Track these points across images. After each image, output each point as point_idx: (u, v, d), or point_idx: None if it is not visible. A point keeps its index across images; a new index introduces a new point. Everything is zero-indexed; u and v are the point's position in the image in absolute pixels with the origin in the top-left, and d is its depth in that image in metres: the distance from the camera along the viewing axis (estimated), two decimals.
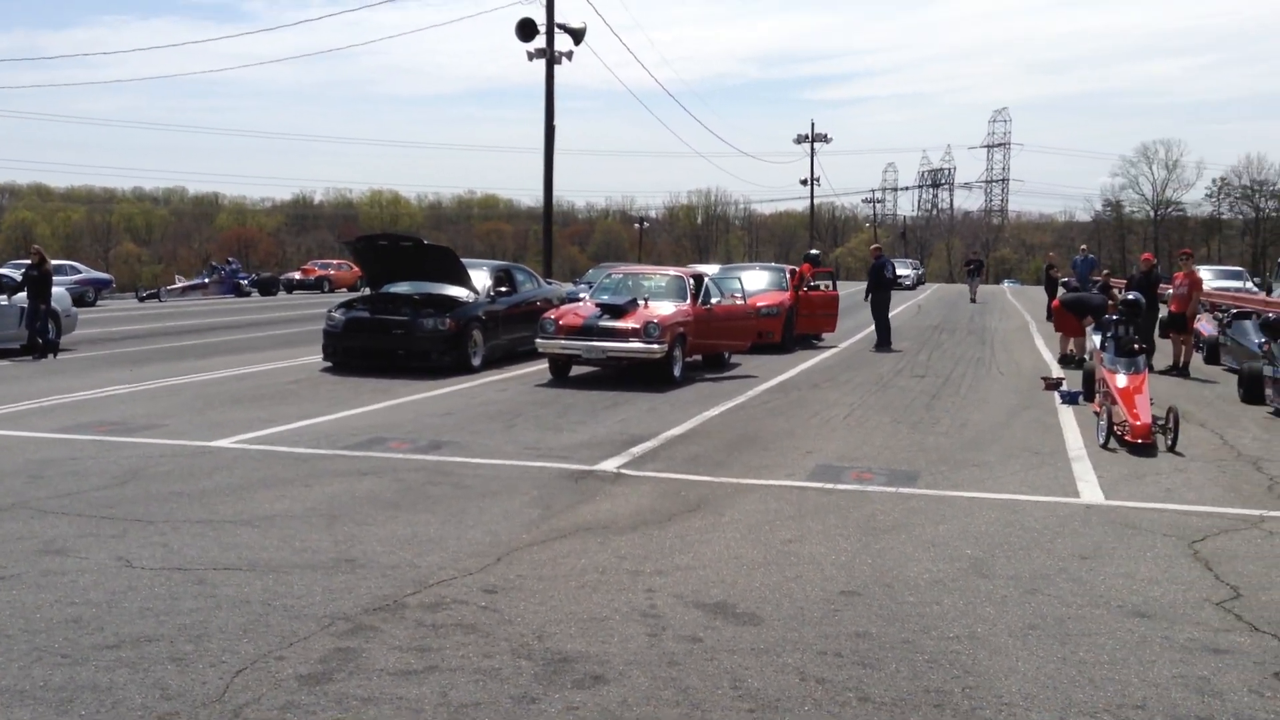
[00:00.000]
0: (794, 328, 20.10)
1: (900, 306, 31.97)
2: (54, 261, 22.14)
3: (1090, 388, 12.69)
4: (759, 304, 18.65)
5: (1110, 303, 15.84)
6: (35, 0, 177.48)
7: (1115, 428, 10.22)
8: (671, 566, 6.15)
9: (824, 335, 21.64)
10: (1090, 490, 8.29)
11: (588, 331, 14.43)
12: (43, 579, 5.67)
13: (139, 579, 5.69)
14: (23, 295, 17.35)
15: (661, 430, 10.75)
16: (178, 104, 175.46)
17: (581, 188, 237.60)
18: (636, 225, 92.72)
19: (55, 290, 17.87)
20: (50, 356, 16.96)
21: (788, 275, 21.48)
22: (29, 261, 18.06)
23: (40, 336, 17.06)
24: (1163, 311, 18.05)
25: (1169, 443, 9.98)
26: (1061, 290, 23.49)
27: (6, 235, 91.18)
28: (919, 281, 57.59)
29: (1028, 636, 5.08)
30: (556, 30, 31.48)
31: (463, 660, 4.65)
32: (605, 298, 15.51)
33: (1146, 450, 9.85)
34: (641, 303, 15.07)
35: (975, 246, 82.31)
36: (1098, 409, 11.23)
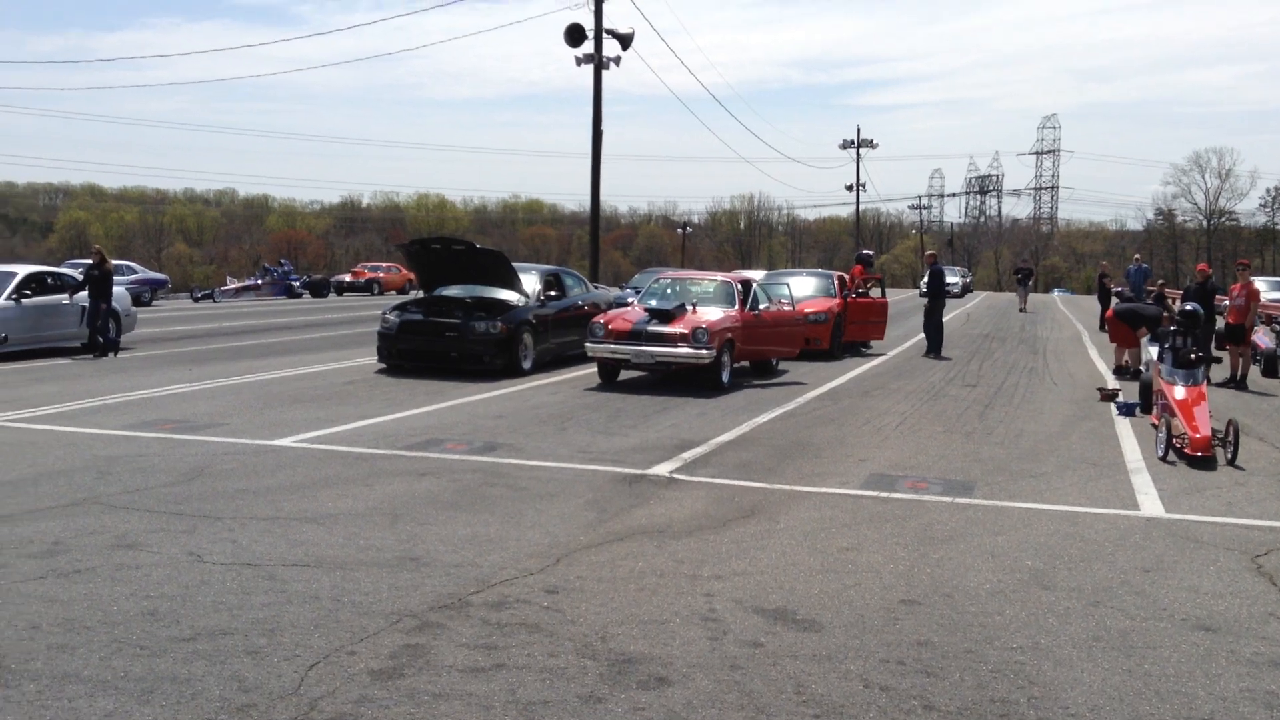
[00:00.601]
0: (842, 335, 20.05)
1: (949, 315, 31.72)
2: (112, 261, 22.55)
3: (1148, 399, 12.56)
4: (807, 310, 18.63)
5: (1165, 314, 15.66)
6: (88, 2, 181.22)
7: (1174, 440, 10.12)
8: (729, 571, 6.19)
9: (872, 342, 21.55)
10: (1150, 503, 8.22)
11: (636, 336, 14.49)
12: (117, 572, 5.82)
13: (210, 574, 5.82)
14: (84, 294, 17.72)
15: (712, 436, 10.79)
16: (228, 106, 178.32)
17: (624, 192, 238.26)
18: (679, 230, 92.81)
19: (115, 290, 18.22)
20: (111, 355, 17.31)
21: (836, 282, 21.41)
22: (89, 261, 18.44)
23: (101, 335, 17.41)
24: (1219, 323, 17.81)
25: (1229, 456, 9.87)
26: (1115, 300, 23.21)
27: (61, 235, 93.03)
28: (966, 289, 57.13)
29: (1092, 648, 5.06)
30: (605, 36, 31.64)
31: (529, 659, 4.73)
32: (654, 303, 15.56)
33: (1206, 463, 9.75)
34: (690, 308, 15.11)
35: (1024, 254, 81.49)
36: (1156, 421, 11.12)
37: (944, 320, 21.18)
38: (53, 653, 4.64)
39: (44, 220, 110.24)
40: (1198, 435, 9.89)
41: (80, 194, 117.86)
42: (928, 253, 24.29)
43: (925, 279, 21.93)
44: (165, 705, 4.15)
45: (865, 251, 25.65)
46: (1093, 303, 37.08)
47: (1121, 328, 17.02)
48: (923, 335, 20.92)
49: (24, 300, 17.05)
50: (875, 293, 22.02)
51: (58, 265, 25.81)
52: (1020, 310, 37.24)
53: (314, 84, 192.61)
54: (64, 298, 17.82)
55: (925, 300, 20.97)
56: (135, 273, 36.33)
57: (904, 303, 39.20)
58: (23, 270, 17.93)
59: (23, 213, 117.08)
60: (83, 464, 8.68)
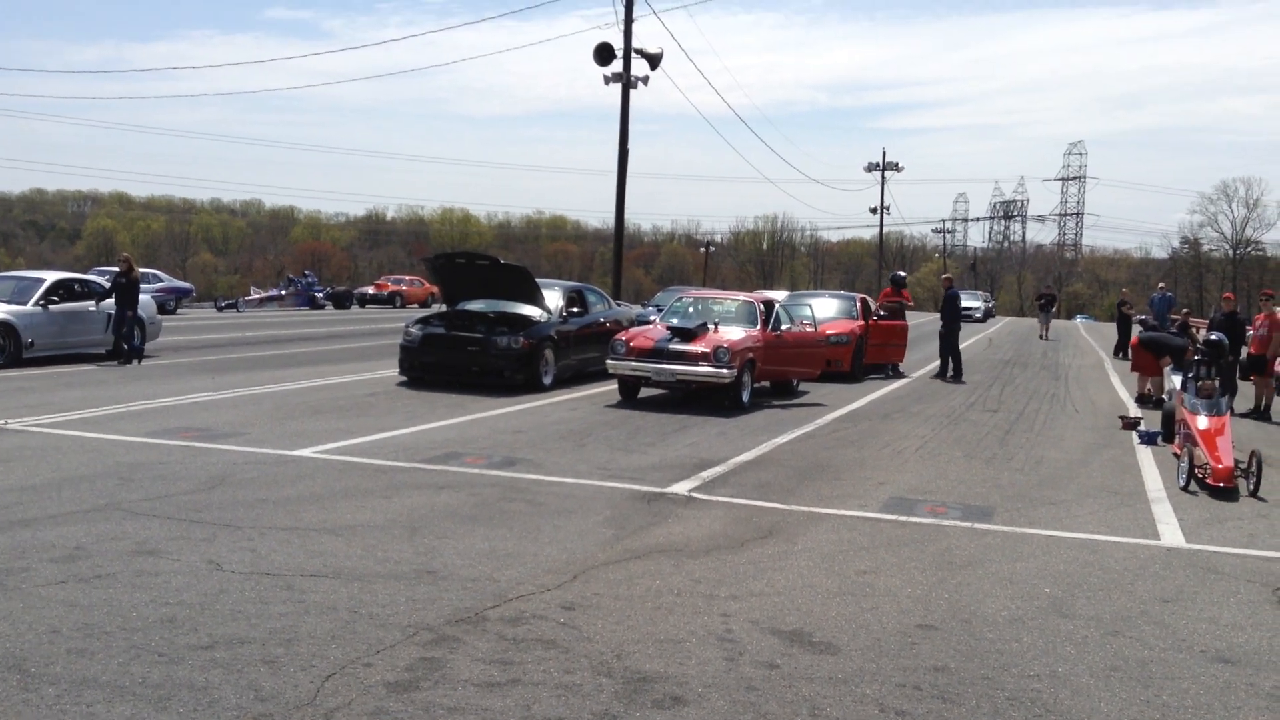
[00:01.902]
0: (864, 357, 20.00)
1: (970, 339, 31.61)
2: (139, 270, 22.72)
3: (1170, 429, 12.48)
4: (829, 332, 18.61)
5: (1191, 345, 15.56)
6: (123, 12, 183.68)
7: (1196, 470, 10.05)
8: (746, 592, 6.18)
9: (892, 366, 21.44)
10: (1171, 533, 8.16)
11: (658, 354, 14.51)
12: (137, 579, 5.86)
13: (229, 582, 5.86)
14: (110, 302, 17.88)
15: (731, 455, 10.78)
16: (258, 118, 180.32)
17: (647, 210, 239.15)
18: (702, 249, 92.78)
19: (141, 298, 18.38)
20: (135, 362, 17.44)
21: (858, 304, 21.37)
22: (116, 269, 18.61)
23: (126, 342, 17.56)
24: (1242, 353, 17.69)
25: (1251, 487, 9.79)
26: (1138, 329, 23.06)
27: (89, 242, 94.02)
28: (988, 314, 56.91)
29: (1110, 678, 5.03)
30: (634, 55, 31.73)
31: (544, 675, 4.73)
32: (675, 321, 15.59)
33: (1228, 494, 9.67)
34: (712, 327, 15.12)
35: (1047, 280, 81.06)
36: (1178, 450, 11.05)
37: (963, 345, 21.07)
38: (72, 657, 4.68)
39: (72, 227, 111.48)
40: (1220, 465, 9.82)
41: (108, 202, 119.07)
42: (944, 276, 24.15)
43: (941, 303, 21.83)
44: (182, 713, 4.17)
45: (899, 273, 25.51)
46: (1115, 330, 36.87)
47: (1145, 356, 16.93)
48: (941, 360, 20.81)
49: (51, 306, 17.23)
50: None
51: (85, 272, 26.03)
52: (1041, 337, 37.05)
53: (343, 98, 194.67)
54: (90, 305, 17.98)
55: (946, 326, 20.86)
56: (160, 281, 36.59)
57: (925, 326, 39.07)
58: (51, 277, 18.13)
59: (51, 219, 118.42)
60: (105, 470, 8.75)
